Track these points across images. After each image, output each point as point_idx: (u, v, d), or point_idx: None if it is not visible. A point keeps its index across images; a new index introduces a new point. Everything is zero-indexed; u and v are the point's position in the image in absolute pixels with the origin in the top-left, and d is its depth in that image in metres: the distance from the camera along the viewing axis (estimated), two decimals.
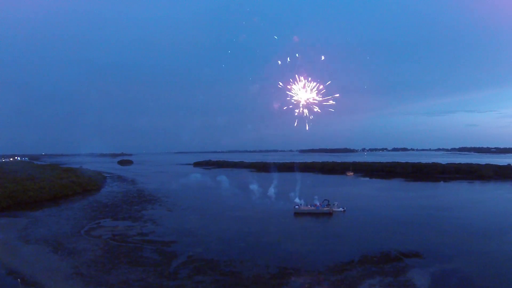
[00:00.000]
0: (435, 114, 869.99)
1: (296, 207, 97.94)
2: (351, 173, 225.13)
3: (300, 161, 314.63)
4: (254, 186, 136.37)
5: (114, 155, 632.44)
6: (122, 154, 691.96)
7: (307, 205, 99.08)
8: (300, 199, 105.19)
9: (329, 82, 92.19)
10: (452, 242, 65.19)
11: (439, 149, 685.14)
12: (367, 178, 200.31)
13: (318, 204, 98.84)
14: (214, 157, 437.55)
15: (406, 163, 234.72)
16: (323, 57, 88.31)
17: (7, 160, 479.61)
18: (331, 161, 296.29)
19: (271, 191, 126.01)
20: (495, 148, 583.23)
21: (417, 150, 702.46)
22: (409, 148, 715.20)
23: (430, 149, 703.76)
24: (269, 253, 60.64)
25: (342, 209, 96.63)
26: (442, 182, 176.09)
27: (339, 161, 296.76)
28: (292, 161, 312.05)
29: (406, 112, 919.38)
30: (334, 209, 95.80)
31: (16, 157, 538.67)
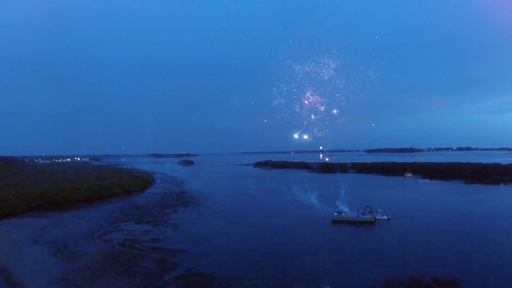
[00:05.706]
0: (499, 112, 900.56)
1: (335, 214, 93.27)
2: (410, 175, 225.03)
3: (363, 161, 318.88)
4: (303, 189, 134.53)
5: (179, 156, 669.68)
6: (187, 155, 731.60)
7: (347, 212, 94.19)
8: (343, 204, 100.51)
9: None
10: (501, 265, 56.67)
11: (502, 148, 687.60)
12: (427, 180, 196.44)
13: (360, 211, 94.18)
14: (280, 158, 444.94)
15: (467, 163, 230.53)
16: None
17: (65, 160, 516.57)
18: (391, 161, 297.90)
19: (319, 194, 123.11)
20: None
21: (480, 149, 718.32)
22: (473, 147, 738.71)
23: (493, 148, 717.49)
24: (280, 271, 56.41)
25: (387, 217, 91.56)
26: (502, 184, 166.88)
27: (400, 161, 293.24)
28: (354, 161, 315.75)
29: (470, 110, 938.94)
30: (377, 217, 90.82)
31: (75, 158, 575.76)
